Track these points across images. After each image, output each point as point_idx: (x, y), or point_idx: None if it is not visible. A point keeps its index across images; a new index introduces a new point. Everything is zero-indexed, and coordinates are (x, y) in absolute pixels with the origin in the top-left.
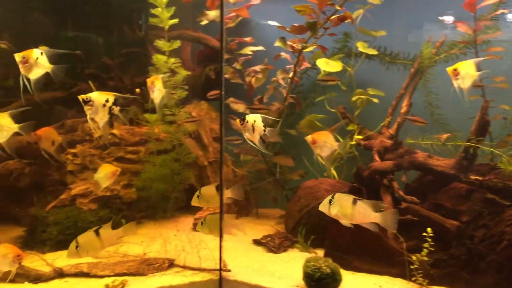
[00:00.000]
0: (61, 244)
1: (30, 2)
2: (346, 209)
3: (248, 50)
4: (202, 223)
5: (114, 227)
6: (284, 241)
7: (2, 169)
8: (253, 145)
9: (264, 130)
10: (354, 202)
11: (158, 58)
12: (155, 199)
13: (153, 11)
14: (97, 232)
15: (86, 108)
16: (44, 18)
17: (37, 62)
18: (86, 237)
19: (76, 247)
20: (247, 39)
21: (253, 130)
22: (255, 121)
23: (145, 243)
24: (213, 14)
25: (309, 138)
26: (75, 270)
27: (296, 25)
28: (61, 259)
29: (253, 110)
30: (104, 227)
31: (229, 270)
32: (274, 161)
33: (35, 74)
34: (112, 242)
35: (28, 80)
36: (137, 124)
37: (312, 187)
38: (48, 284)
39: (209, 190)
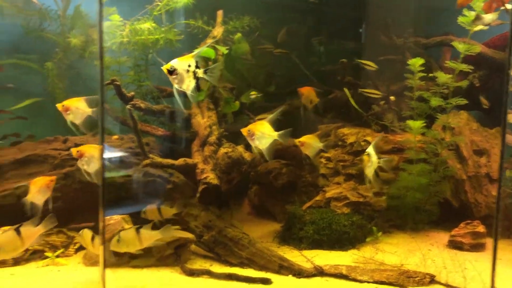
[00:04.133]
0: (316, 243)
1: (288, 13)
2: None
3: None
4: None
5: None
6: None
7: (263, 168)
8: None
9: None
10: None
11: (413, 62)
12: (406, 209)
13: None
14: (137, 231)
15: (172, 78)
16: (302, 29)
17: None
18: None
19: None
20: None
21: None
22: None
23: (401, 254)
24: (489, 17)
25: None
26: (335, 271)
27: None
28: (318, 258)
29: None
30: (145, 227)
31: None
32: None
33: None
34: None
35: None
36: (391, 131)
37: None
38: (310, 280)
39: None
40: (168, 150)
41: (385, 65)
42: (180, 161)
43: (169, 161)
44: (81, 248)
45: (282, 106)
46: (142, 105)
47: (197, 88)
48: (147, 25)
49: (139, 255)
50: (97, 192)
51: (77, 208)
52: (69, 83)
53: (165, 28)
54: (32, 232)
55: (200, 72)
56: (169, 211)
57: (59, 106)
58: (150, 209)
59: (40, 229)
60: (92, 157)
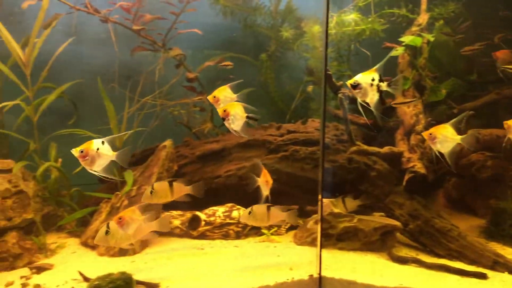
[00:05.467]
0: None
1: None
2: None
3: None
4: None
5: None
6: None
7: (465, 159)
8: None
9: None
10: None
11: None
12: None
13: None
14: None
15: (355, 92)
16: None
17: (99, 153)
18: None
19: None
20: None
21: None
22: None
23: None
24: None
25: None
26: None
27: None
28: None
29: None
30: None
31: None
32: None
33: (98, 165)
34: None
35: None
36: None
37: None
38: None
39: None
40: (370, 138)
41: None
42: (386, 149)
43: (375, 148)
44: (291, 228)
45: (486, 97)
46: (350, 94)
47: (381, 101)
48: (353, 16)
49: (346, 238)
50: (305, 177)
51: (287, 190)
52: (278, 74)
53: (371, 19)
54: (143, 227)
55: (383, 86)
56: (353, 203)
57: (210, 98)
58: (335, 200)
59: (152, 226)
60: (237, 114)
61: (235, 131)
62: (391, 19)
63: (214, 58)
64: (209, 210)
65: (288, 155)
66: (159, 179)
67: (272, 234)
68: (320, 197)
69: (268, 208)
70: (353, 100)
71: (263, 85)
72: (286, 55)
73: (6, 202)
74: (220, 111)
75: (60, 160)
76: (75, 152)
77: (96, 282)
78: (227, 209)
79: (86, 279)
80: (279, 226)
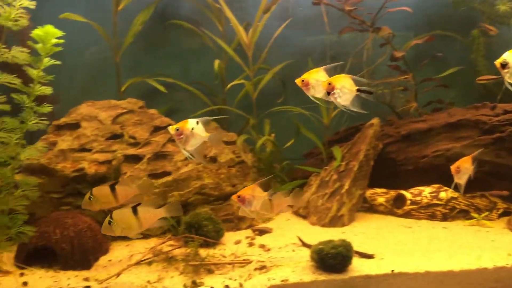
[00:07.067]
0: None
1: None
2: None
3: None
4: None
5: None
6: None
7: None
8: None
9: None
10: None
11: None
12: None
13: None
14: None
15: (503, 72)
16: None
17: (193, 133)
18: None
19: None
20: None
21: None
22: None
23: None
24: None
25: None
26: None
27: None
28: None
29: None
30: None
31: None
32: None
33: (192, 145)
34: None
35: None
36: None
37: None
38: None
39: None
40: None
41: None
42: None
43: None
44: (504, 214)
45: None
46: None
47: None
48: None
49: None
50: None
51: (504, 174)
52: (489, 51)
53: None
54: (151, 214)
55: None
56: None
57: (298, 81)
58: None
59: (161, 212)
60: (344, 87)
61: (343, 106)
62: None
63: (421, 36)
64: (414, 190)
65: (505, 136)
66: (366, 156)
67: (483, 219)
68: None
69: (271, 195)
70: None
71: (472, 63)
72: (500, 31)
73: (231, 170)
74: (324, 84)
75: (273, 134)
76: (171, 129)
77: (320, 246)
78: (434, 189)
79: (304, 244)
80: (489, 211)
